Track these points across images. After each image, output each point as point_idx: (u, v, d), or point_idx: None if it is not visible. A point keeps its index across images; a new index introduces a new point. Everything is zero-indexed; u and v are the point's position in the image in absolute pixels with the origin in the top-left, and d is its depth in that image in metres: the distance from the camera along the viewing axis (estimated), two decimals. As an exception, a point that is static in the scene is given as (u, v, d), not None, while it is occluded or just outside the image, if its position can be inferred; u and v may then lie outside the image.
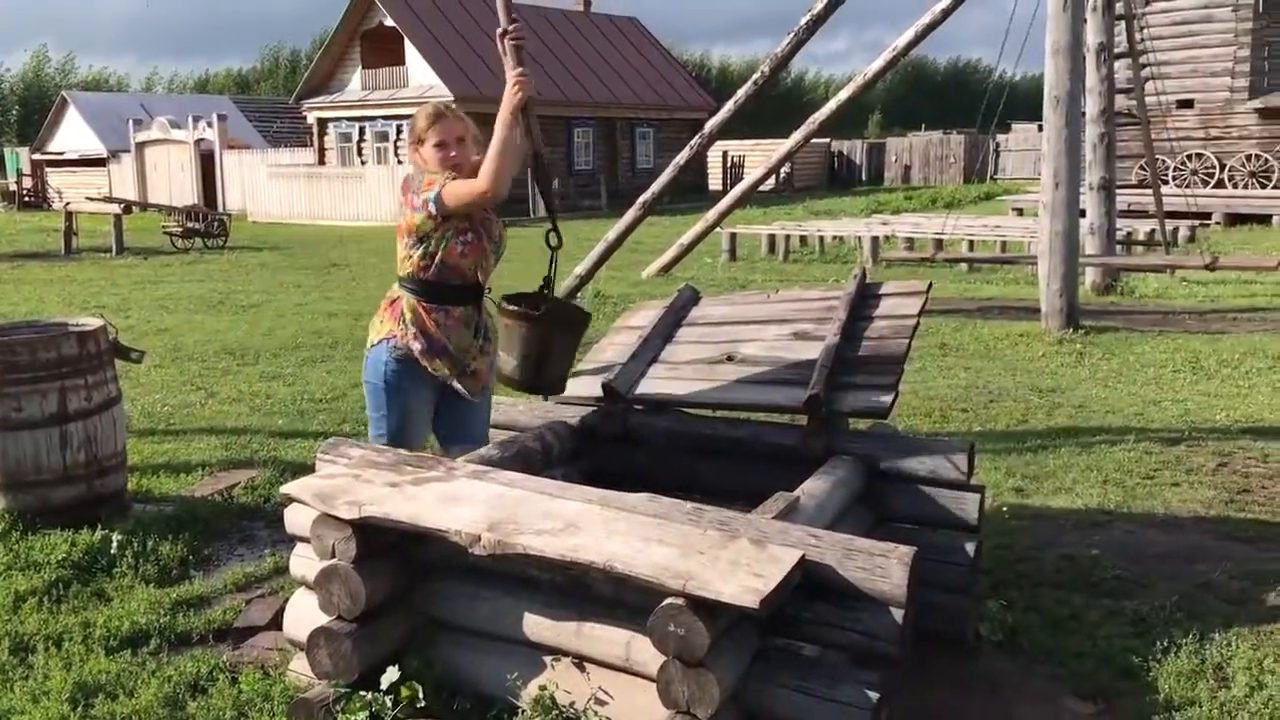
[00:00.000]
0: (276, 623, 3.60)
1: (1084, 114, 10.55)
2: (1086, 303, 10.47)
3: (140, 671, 3.39)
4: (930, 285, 4.25)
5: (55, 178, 37.36)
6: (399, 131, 29.97)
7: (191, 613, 3.86)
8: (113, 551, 4.27)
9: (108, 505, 4.70)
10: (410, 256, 3.58)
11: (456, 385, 3.65)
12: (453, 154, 3.58)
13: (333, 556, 2.94)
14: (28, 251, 19.46)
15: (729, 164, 37.22)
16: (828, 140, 40.30)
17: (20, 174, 37.74)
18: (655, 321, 4.32)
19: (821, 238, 17.74)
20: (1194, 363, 8.03)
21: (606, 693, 2.83)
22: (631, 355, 4.09)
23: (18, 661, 3.47)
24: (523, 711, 2.90)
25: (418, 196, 3.51)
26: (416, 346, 3.57)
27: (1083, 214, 10.42)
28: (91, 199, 24.79)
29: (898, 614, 2.59)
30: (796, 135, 7.39)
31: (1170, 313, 10.65)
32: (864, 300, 4.14)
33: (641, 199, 10.53)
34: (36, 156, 38.28)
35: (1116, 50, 12.07)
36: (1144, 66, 14.17)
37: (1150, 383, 7.51)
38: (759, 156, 33.32)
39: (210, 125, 31.76)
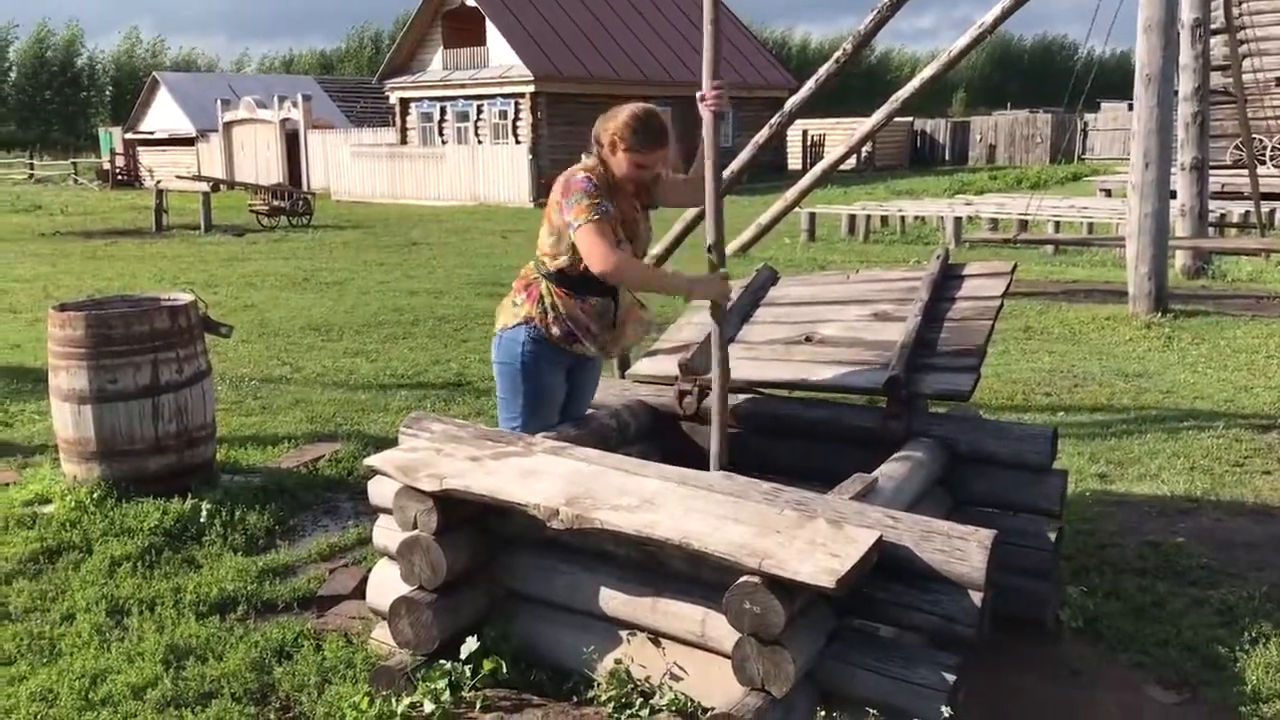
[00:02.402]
0: (360, 592, 3.70)
1: (1176, 92, 10.21)
2: (1176, 286, 10.17)
3: (228, 636, 3.51)
4: (1015, 267, 4.17)
5: (146, 156, 38.52)
6: (479, 111, 30.24)
7: (277, 581, 3.98)
8: (202, 520, 4.42)
9: (197, 475, 4.85)
10: (554, 249, 3.58)
11: (588, 356, 3.72)
12: (644, 177, 3.57)
13: (414, 528, 3.01)
14: (121, 228, 20.13)
15: (809, 143, 36.80)
16: (911, 119, 39.61)
17: (113, 153, 38.98)
18: (733, 301, 4.31)
19: (903, 218, 17.48)
20: (1289, 349, 7.77)
21: (681, 668, 2.85)
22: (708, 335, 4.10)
23: (114, 623, 3.62)
24: (598, 684, 2.94)
25: (569, 212, 3.46)
26: (555, 331, 3.60)
27: (1173, 195, 10.10)
28: (181, 177, 25.52)
29: (976, 597, 2.57)
30: (878, 114, 7.27)
31: (1264, 297, 10.29)
32: (947, 281, 4.08)
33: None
34: (129, 136, 39.48)
35: (1213, 26, 11.64)
36: (1242, 43, 13.64)
37: (1242, 368, 7.27)
38: (840, 135, 32.90)
39: (295, 105, 32.42)
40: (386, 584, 3.24)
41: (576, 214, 3.43)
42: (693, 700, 2.80)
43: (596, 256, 3.40)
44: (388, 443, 4.53)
